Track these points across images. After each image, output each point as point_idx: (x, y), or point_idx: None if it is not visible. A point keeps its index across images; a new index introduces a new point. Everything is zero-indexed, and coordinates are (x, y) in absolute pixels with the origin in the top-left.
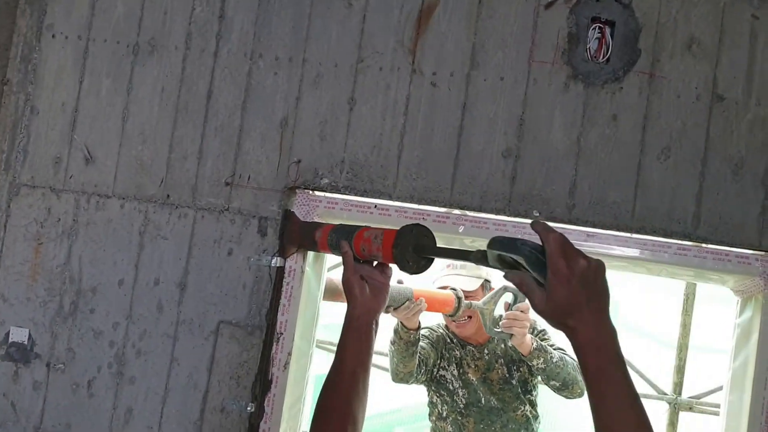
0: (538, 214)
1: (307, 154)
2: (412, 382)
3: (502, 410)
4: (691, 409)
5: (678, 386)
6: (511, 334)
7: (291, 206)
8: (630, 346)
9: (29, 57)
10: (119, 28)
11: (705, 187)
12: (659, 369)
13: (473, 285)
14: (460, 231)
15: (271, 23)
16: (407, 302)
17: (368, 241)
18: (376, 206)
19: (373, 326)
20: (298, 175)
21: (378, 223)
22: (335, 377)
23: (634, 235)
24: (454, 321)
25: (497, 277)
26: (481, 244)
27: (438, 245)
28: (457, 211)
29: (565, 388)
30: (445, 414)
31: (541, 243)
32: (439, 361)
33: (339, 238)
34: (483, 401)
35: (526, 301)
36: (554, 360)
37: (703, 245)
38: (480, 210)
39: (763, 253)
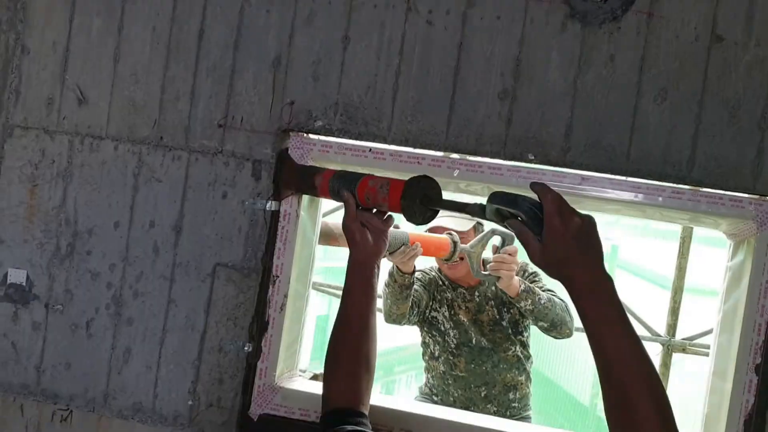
0: (533, 158)
1: (300, 95)
2: (404, 323)
3: (492, 350)
4: (684, 350)
5: (672, 328)
6: (499, 277)
7: (285, 149)
8: (628, 289)
9: None
10: None
11: (701, 130)
12: (655, 311)
13: (465, 226)
14: (455, 175)
15: None
16: (403, 246)
17: (373, 191)
18: (370, 150)
19: (375, 270)
20: (291, 118)
21: (373, 168)
22: (343, 322)
23: (629, 179)
24: (446, 263)
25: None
26: (476, 188)
27: (443, 197)
28: (456, 156)
29: (553, 329)
30: (437, 354)
31: (539, 200)
32: (431, 303)
33: (341, 186)
34: (474, 342)
35: (514, 244)
36: (542, 301)
37: (698, 189)
38: (475, 153)
39: (756, 196)
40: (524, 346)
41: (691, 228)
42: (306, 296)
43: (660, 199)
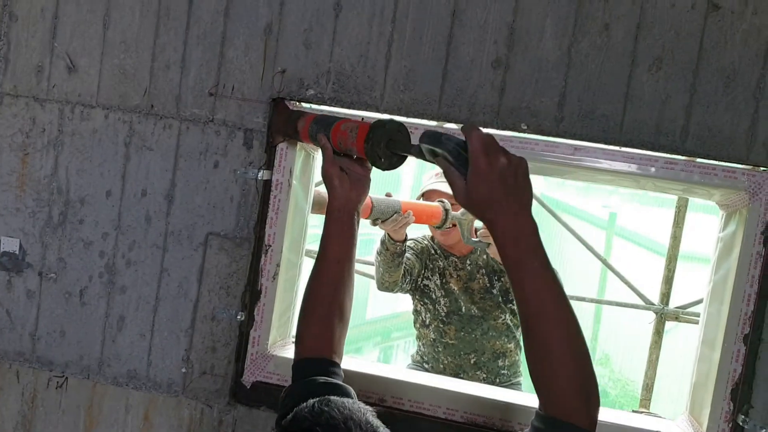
0: (526, 127)
1: (291, 63)
2: (396, 291)
3: (482, 318)
4: (677, 318)
5: (665, 296)
6: (488, 244)
7: (277, 118)
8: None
9: None
10: None
11: (695, 100)
12: (651, 279)
13: None
14: None
15: None
16: (395, 215)
17: (344, 134)
18: (363, 119)
19: (355, 217)
20: (282, 86)
21: None
22: (320, 268)
23: (622, 149)
24: (438, 230)
25: None
26: None
27: (412, 142)
28: (449, 125)
29: None
30: (428, 321)
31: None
32: (423, 271)
33: (318, 130)
34: (464, 310)
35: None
36: None
37: (691, 159)
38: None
39: (750, 167)
40: (514, 314)
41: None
42: (299, 265)
43: (653, 169)
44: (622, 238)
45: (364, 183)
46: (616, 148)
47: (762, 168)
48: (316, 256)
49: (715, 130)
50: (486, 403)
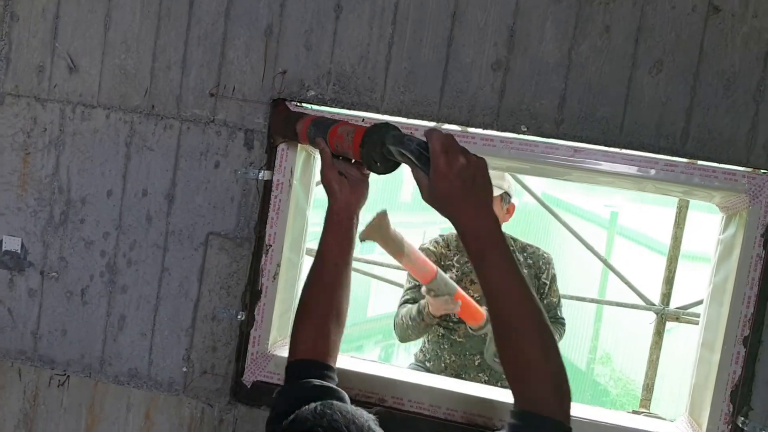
0: (526, 129)
1: (292, 64)
2: None
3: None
4: (677, 319)
5: (666, 297)
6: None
7: (276, 119)
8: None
9: None
10: None
11: (695, 102)
12: (652, 279)
13: (494, 193)
14: None
15: None
16: (447, 296)
17: (341, 138)
18: (363, 120)
19: (354, 220)
20: (283, 87)
21: None
22: (317, 271)
23: (622, 151)
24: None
25: (516, 191)
26: None
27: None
28: (456, 127)
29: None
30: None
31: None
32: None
33: (316, 134)
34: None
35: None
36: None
37: (692, 161)
38: (468, 124)
39: (750, 169)
40: None
41: None
42: (299, 264)
43: (653, 171)
44: (624, 237)
45: (363, 186)
46: (617, 150)
47: (762, 170)
48: (313, 258)
49: (716, 132)
50: (486, 404)
